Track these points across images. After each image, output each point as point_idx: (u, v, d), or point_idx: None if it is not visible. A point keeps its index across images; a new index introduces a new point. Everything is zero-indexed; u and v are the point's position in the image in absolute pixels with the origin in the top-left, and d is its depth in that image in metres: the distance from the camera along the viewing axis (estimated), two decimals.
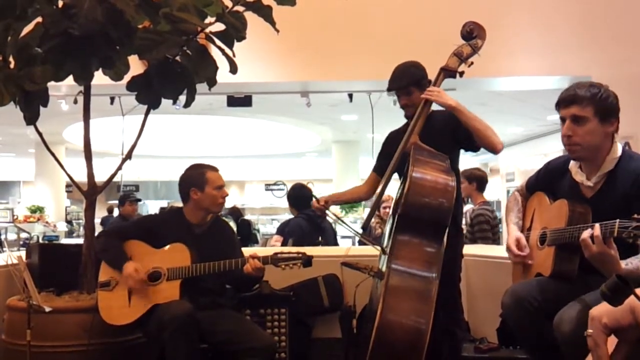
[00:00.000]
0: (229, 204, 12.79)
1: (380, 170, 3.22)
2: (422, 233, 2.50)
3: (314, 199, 3.26)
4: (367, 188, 3.36)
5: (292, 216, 5.33)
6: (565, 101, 2.35)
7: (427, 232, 2.50)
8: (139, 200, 7.77)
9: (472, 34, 2.94)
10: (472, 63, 2.95)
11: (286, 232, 4.94)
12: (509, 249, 2.60)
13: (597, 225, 2.07)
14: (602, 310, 1.39)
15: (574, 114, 2.31)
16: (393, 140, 3.17)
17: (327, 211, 3.24)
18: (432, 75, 3.06)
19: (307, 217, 4.81)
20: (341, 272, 3.45)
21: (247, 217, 14.06)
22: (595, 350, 1.36)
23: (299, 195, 5.07)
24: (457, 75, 2.93)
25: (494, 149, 2.93)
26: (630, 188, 2.27)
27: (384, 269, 2.56)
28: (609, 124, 2.32)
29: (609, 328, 1.37)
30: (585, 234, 2.09)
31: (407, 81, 3.07)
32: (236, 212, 11.29)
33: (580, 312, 2.07)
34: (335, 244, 5.33)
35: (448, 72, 2.93)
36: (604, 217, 2.08)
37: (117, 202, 7.87)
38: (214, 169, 3.26)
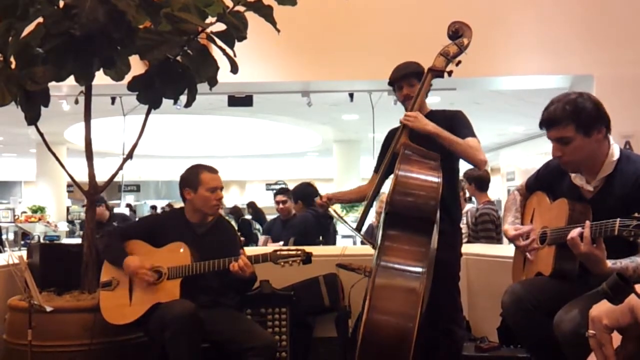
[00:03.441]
0: (230, 203, 12.85)
1: (380, 170, 3.23)
2: (409, 230, 2.51)
3: (318, 196, 3.25)
4: (371, 188, 3.36)
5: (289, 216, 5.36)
6: (545, 124, 2.33)
7: (414, 229, 2.51)
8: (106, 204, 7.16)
9: (458, 33, 2.94)
10: (459, 62, 2.94)
11: (289, 225, 4.97)
12: (513, 239, 2.55)
13: (587, 224, 2.09)
14: (601, 311, 1.38)
15: (556, 136, 2.30)
16: (391, 139, 3.17)
17: (330, 209, 3.24)
18: None
19: (316, 213, 4.84)
20: (338, 273, 3.46)
21: (248, 216, 14.07)
22: (600, 350, 1.35)
23: (307, 192, 5.13)
24: (446, 74, 2.93)
25: (478, 166, 3.04)
26: (630, 190, 2.25)
27: None
28: (596, 133, 2.28)
29: (609, 328, 1.36)
30: (574, 233, 2.11)
31: (411, 70, 3.08)
32: (237, 212, 11.30)
33: (580, 311, 2.07)
34: (334, 244, 5.34)
35: (435, 72, 2.93)
36: (603, 217, 2.08)
37: (118, 202, 7.79)
38: (211, 171, 3.21)
